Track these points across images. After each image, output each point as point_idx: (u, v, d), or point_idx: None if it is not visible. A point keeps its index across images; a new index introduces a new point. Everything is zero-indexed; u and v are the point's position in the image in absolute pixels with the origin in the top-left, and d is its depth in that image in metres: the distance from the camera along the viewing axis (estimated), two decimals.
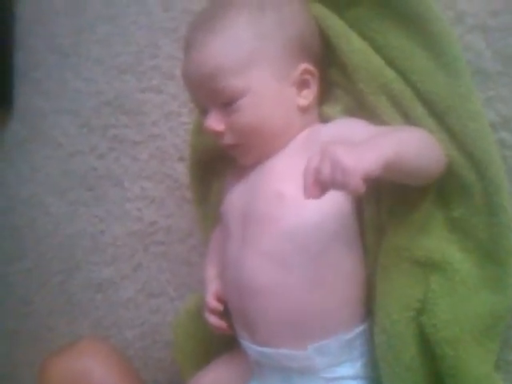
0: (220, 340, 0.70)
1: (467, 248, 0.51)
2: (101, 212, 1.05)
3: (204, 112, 0.59)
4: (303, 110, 0.58)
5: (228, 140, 0.58)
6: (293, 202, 0.54)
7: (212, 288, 0.65)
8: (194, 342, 0.75)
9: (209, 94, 0.57)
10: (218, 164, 0.72)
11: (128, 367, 0.87)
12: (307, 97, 0.58)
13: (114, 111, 0.99)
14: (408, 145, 0.47)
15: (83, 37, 1.07)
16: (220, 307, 0.63)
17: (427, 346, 0.51)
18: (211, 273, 0.67)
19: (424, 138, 0.50)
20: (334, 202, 0.55)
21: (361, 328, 0.55)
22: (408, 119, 0.54)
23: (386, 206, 0.56)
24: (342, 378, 0.54)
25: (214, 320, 0.63)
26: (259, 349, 0.56)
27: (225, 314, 0.63)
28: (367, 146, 0.44)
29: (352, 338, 0.54)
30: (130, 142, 0.96)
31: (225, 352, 0.69)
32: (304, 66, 0.57)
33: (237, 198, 0.61)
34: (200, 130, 0.70)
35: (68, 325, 1.21)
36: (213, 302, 0.63)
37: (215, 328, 0.63)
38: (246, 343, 0.58)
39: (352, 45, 0.58)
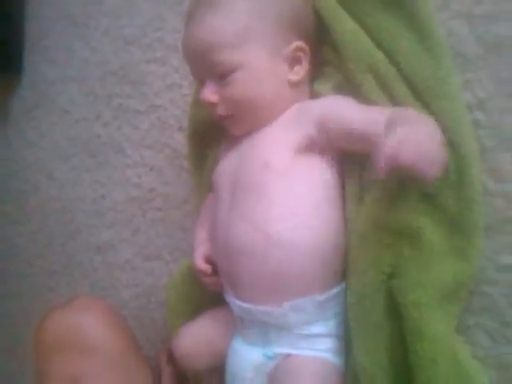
0: (209, 301, 0.74)
1: (438, 219, 0.55)
2: (102, 178, 1.09)
3: (201, 83, 0.63)
4: (294, 85, 0.62)
5: (221, 111, 0.62)
6: (278, 171, 0.58)
7: (200, 250, 0.69)
8: (185, 302, 0.79)
9: (205, 66, 0.61)
10: (215, 135, 0.76)
11: (122, 325, 0.90)
12: (298, 73, 0.61)
13: (118, 81, 1.02)
14: None
15: (92, 8, 1.10)
16: (208, 269, 0.67)
17: (394, 308, 0.55)
18: (201, 235, 0.71)
19: None
20: (319, 174, 0.59)
21: (335, 290, 0.59)
22: (392, 98, 0.58)
23: (366, 179, 0.60)
24: (315, 335, 0.59)
25: (206, 280, 0.68)
26: (242, 304, 0.60)
27: (215, 273, 0.67)
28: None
29: (326, 299, 0.58)
30: (133, 111, 1.00)
31: None
32: (296, 43, 0.60)
33: (228, 165, 0.65)
34: (198, 101, 0.74)
35: (67, 285, 1.25)
36: (202, 265, 0.68)
37: (209, 285, 0.68)
38: (231, 299, 0.62)
39: (344, 26, 0.61)
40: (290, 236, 0.56)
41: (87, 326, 0.85)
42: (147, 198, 0.99)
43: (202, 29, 0.59)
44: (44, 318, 0.88)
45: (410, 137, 0.46)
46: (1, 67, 1.37)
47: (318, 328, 0.59)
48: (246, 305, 0.60)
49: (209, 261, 0.67)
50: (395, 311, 0.55)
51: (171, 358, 0.86)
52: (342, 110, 0.57)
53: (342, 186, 0.61)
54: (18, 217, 1.46)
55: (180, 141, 0.91)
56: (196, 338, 0.69)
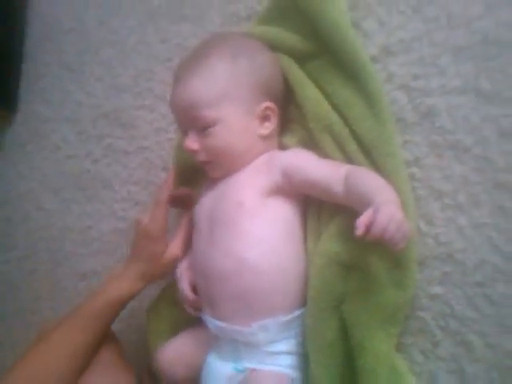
0: (187, 321, 0.84)
1: (382, 256, 0.66)
2: (90, 210, 1.18)
3: (185, 133, 0.74)
4: (264, 138, 0.73)
5: (201, 157, 0.73)
6: (249, 209, 0.68)
7: (186, 281, 0.79)
8: (164, 323, 0.88)
9: (188, 120, 0.71)
10: (195, 175, 0.86)
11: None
12: (268, 128, 0.73)
13: (110, 123, 1.13)
14: None
15: (87, 57, 1.21)
16: (196, 300, 0.77)
17: (344, 329, 0.66)
18: (184, 265, 0.81)
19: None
20: (283, 213, 0.70)
21: (297, 313, 0.69)
22: (345, 153, 0.69)
23: (325, 218, 0.71)
24: (280, 352, 0.68)
25: (192, 311, 0.78)
26: (217, 323, 0.70)
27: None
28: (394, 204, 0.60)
29: (289, 320, 0.68)
30: (122, 151, 1.10)
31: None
32: (266, 104, 0.72)
33: (207, 202, 0.75)
34: (182, 146, 0.85)
35: (52, 309, 1.31)
36: (191, 296, 0.77)
37: (191, 312, 0.78)
38: (208, 318, 0.72)
39: (306, 91, 0.73)
40: (258, 261, 0.66)
41: None
42: (131, 230, 1.09)
43: (187, 89, 0.71)
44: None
45: (395, 216, 0.57)
46: None
47: (281, 346, 0.68)
48: (220, 323, 0.69)
49: (194, 289, 0.78)
50: (344, 331, 0.66)
51: (151, 374, 0.95)
52: (303, 164, 0.69)
53: (304, 223, 0.73)
54: (4, 243, 1.52)
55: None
56: (175, 352, 0.78)
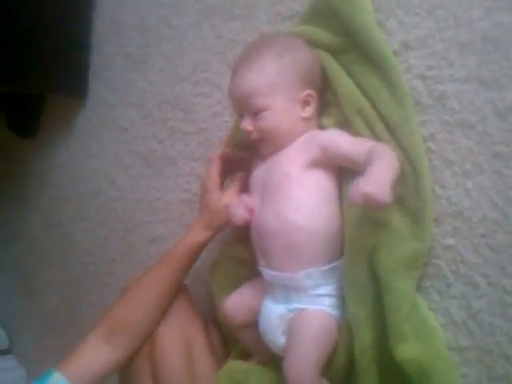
0: (246, 275, 1.00)
1: (403, 214, 0.81)
2: (157, 184, 1.36)
3: (241, 116, 0.90)
4: (305, 120, 0.88)
5: (255, 136, 0.88)
6: (294, 179, 0.84)
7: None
8: (225, 277, 1.05)
9: (244, 106, 0.87)
10: (247, 152, 1.02)
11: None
12: (308, 111, 0.88)
13: (172, 108, 1.30)
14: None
15: (149, 50, 1.38)
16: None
17: (373, 274, 0.82)
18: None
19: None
20: (322, 182, 0.86)
21: (335, 263, 0.85)
22: (373, 132, 0.84)
23: None
24: (323, 294, 0.84)
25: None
26: (271, 272, 0.87)
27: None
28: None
29: (329, 269, 0.84)
30: (184, 132, 1.27)
31: None
32: (307, 91, 0.86)
33: (259, 174, 0.91)
34: (237, 127, 1.01)
35: (125, 271, 1.50)
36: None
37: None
38: (263, 269, 0.89)
39: (340, 80, 0.88)
40: (303, 221, 0.82)
41: None
42: (194, 200, 1.26)
43: (243, 81, 0.86)
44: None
45: (365, 188, 0.69)
46: (69, 91, 1.67)
47: (324, 290, 0.84)
48: (273, 272, 0.87)
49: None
50: (374, 275, 0.82)
51: (216, 322, 1.13)
52: (337, 140, 0.84)
53: (339, 192, 0.88)
54: (79, 215, 1.73)
55: None
56: (238, 300, 0.96)
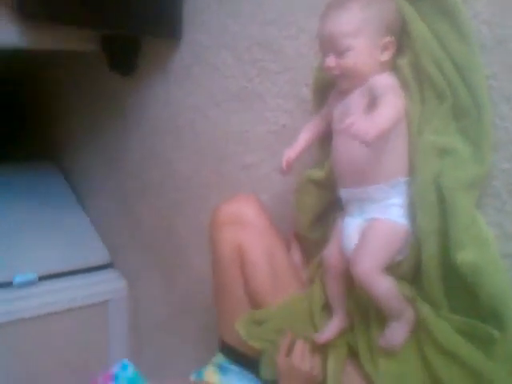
0: (326, 197, 1.19)
1: (466, 142, 0.95)
2: (247, 118, 1.53)
3: (325, 55, 1.03)
4: (382, 64, 1.01)
5: (335, 72, 1.02)
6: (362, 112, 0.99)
7: (296, 148, 1.12)
8: (308, 200, 1.23)
9: (330, 45, 1.01)
10: (329, 89, 1.16)
11: (266, 211, 1.28)
12: (386, 56, 1.00)
13: (262, 50, 1.44)
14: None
15: None
16: (289, 165, 1.11)
17: (440, 193, 0.96)
18: (303, 136, 1.14)
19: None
20: None
21: (403, 179, 0.99)
22: (441, 70, 0.96)
23: (424, 119, 1.01)
24: (393, 205, 1.00)
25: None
26: (348, 189, 1.04)
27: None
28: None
29: (398, 184, 0.99)
30: (272, 72, 1.42)
31: None
32: (387, 38, 0.99)
33: (339, 108, 1.07)
34: (320, 66, 1.16)
35: (218, 195, 1.70)
36: (290, 156, 1.11)
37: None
38: (341, 189, 1.06)
39: (415, 24, 1.00)
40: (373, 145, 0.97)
41: (244, 209, 1.25)
42: (281, 132, 1.42)
43: (332, 24, 0.99)
44: (216, 208, 1.29)
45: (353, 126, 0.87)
46: (165, 33, 1.84)
47: (393, 201, 1.00)
48: (350, 189, 1.04)
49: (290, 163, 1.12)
50: (441, 195, 0.96)
51: (297, 236, 1.32)
52: (377, 86, 0.98)
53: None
54: (175, 145, 1.94)
55: (306, 93, 1.31)
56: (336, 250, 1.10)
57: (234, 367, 1.29)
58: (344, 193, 1.07)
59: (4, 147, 2.99)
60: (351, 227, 1.05)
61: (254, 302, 1.25)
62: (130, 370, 1.18)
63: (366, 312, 1.08)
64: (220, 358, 1.32)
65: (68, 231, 2.70)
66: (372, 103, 0.97)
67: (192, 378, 1.32)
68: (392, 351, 1.03)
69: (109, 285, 2.52)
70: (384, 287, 0.99)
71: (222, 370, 1.31)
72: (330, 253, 1.11)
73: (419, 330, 1.02)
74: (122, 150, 2.34)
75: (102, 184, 2.65)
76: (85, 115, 2.85)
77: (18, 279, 2.30)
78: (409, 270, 1.03)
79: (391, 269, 1.01)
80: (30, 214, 2.74)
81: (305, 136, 1.15)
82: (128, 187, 2.34)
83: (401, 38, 1.04)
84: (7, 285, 2.28)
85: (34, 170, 3.17)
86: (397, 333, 1.03)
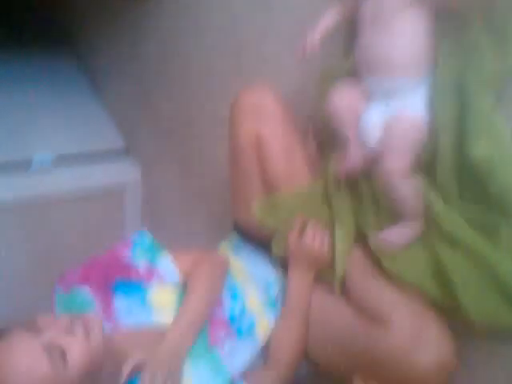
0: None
1: (489, 37, 0.97)
2: (264, 23, 1.55)
3: None
4: None
5: None
6: (398, 13, 1.01)
7: (319, 30, 1.12)
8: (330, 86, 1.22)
9: None
10: None
11: (287, 105, 1.26)
12: None
13: None
14: None
15: None
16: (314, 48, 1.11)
17: (460, 86, 0.99)
18: (325, 22, 1.13)
19: None
20: (421, 23, 1.01)
21: (424, 77, 1.03)
22: None
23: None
24: (418, 95, 1.03)
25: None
26: (374, 78, 1.06)
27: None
28: None
29: (422, 79, 1.03)
30: None
31: None
32: None
33: (368, 6, 1.06)
34: None
35: (237, 87, 1.58)
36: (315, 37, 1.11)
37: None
38: (368, 78, 1.08)
39: None
40: (401, 46, 1.01)
41: (264, 100, 1.23)
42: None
43: None
44: (237, 96, 1.27)
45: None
46: None
47: (419, 92, 1.03)
48: (376, 77, 1.06)
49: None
50: (461, 89, 1.00)
51: (313, 131, 1.35)
52: None
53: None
54: (195, 38, 1.93)
55: None
56: (340, 98, 1.13)
57: (246, 245, 1.38)
58: (371, 81, 1.08)
59: (19, 30, 2.95)
60: (374, 113, 1.08)
61: (269, 191, 1.28)
62: (147, 238, 1.26)
63: (377, 198, 1.14)
64: (234, 236, 1.41)
65: (84, 116, 2.69)
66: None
67: None
68: (388, 248, 1.11)
69: (124, 171, 2.56)
70: (408, 188, 1.04)
71: (235, 246, 1.40)
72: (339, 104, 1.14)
73: (430, 223, 1.08)
74: (140, 35, 2.30)
75: (118, 70, 2.62)
76: None
77: (37, 158, 2.34)
78: (424, 164, 1.07)
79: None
80: (45, 98, 2.71)
81: (326, 22, 1.13)
82: (145, 74, 2.31)
83: None
84: (27, 164, 2.33)
85: (49, 55, 3.12)
86: (401, 233, 1.10)
